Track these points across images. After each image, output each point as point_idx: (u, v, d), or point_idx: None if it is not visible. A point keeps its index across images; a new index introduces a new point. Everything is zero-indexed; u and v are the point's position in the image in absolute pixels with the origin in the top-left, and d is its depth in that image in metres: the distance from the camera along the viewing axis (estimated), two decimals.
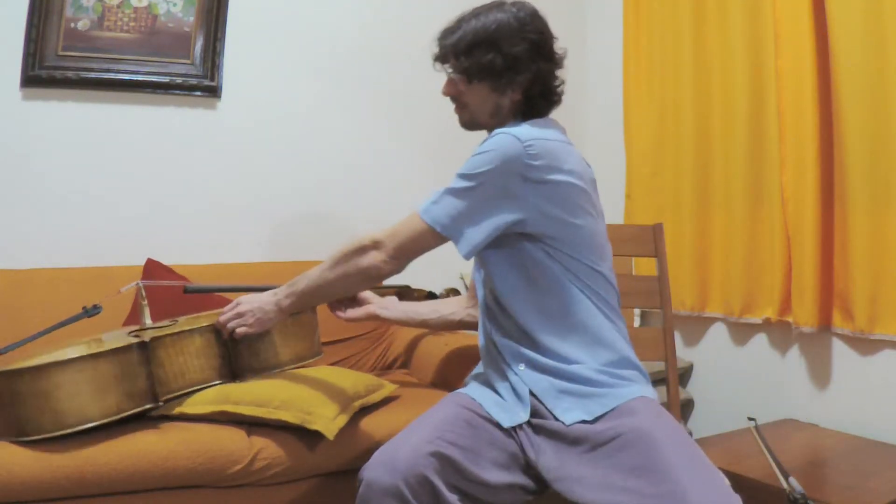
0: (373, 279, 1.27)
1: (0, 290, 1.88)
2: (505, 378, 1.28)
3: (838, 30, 1.87)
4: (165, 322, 1.59)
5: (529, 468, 1.19)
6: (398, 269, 1.26)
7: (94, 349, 1.32)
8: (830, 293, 1.96)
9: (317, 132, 2.46)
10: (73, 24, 2.12)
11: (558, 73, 1.31)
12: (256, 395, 1.54)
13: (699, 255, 2.34)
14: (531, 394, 1.23)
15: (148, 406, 1.39)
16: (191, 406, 1.53)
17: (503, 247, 1.25)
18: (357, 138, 2.50)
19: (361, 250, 1.26)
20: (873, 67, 1.82)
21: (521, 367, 1.25)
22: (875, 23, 1.81)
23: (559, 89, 1.32)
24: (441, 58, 1.32)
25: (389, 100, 2.55)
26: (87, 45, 2.14)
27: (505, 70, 1.25)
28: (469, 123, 1.35)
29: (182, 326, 1.48)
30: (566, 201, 1.22)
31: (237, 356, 1.53)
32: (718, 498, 0.98)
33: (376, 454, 1.11)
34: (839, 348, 1.97)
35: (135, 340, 1.37)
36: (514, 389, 1.25)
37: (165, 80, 2.22)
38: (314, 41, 2.46)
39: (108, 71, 2.15)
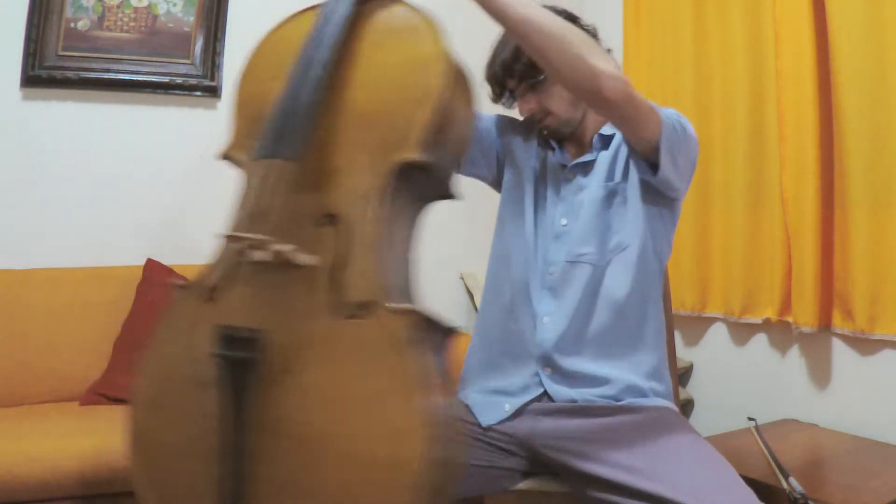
0: (585, 80, 1.00)
1: (0, 290, 1.88)
2: (519, 365, 1.22)
3: (838, 30, 1.87)
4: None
5: (513, 454, 1.18)
6: (616, 104, 1.03)
7: None
8: (830, 293, 1.96)
9: None
10: (73, 24, 2.12)
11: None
12: None
13: (699, 255, 2.34)
14: (546, 394, 1.19)
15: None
16: None
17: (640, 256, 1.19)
18: None
19: (606, 59, 1.03)
20: (873, 68, 1.82)
21: (548, 371, 1.19)
22: (875, 23, 1.81)
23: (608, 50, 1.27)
24: (499, 88, 1.27)
25: None
26: (87, 45, 2.14)
27: None
28: (561, 125, 1.26)
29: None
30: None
31: None
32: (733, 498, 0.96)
33: None
34: (839, 348, 1.97)
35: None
36: (523, 382, 1.20)
37: (165, 80, 2.22)
38: None
39: (108, 71, 2.16)
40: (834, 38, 1.88)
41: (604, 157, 1.24)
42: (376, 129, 0.88)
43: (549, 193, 1.28)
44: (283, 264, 0.81)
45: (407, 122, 0.86)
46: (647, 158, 1.17)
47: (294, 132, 0.86)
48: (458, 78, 0.92)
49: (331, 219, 0.85)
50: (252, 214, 0.87)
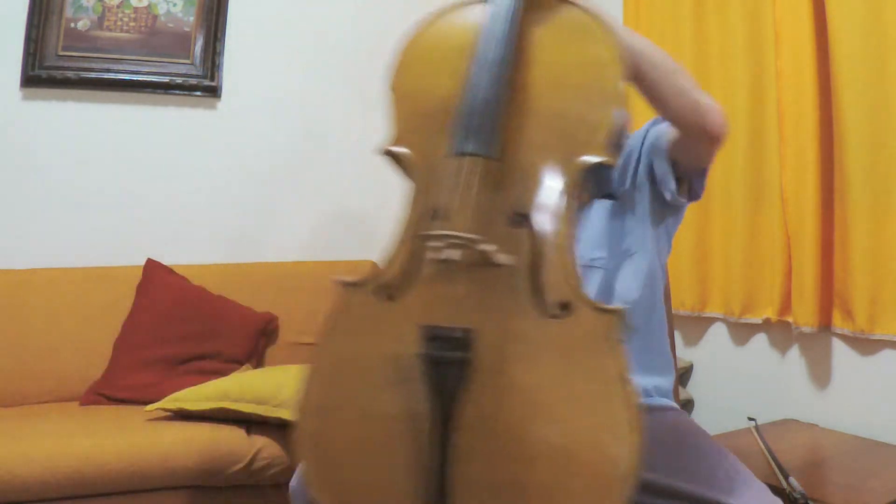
0: (693, 116, 1.00)
1: (0, 290, 1.88)
2: None
3: (838, 30, 1.87)
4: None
5: None
6: (716, 140, 1.03)
7: None
8: (830, 293, 1.96)
9: (317, 131, 2.46)
10: (73, 24, 2.12)
11: None
12: (256, 392, 1.54)
13: (699, 255, 2.33)
14: None
15: None
16: (191, 403, 1.54)
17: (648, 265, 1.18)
18: (358, 137, 2.50)
19: (705, 92, 1.02)
20: (873, 67, 1.82)
21: None
22: (875, 23, 1.81)
23: None
24: None
25: None
26: (87, 45, 2.14)
27: None
28: None
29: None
30: None
31: None
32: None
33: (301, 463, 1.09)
34: (839, 348, 1.97)
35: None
36: None
37: (165, 80, 2.22)
38: (315, 40, 2.46)
39: (108, 71, 2.16)
40: (834, 38, 1.88)
41: None
42: (563, 130, 0.88)
43: None
44: (478, 264, 0.80)
45: (595, 124, 0.86)
46: (684, 177, 1.16)
47: (490, 130, 0.86)
48: None
49: (523, 218, 0.84)
50: (438, 212, 0.85)
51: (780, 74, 2.06)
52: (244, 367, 1.93)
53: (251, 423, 1.55)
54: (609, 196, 0.96)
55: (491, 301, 0.80)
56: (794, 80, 2.01)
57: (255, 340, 2.04)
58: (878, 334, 1.83)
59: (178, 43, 2.25)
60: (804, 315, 1.95)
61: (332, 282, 0.87)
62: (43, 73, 2.08)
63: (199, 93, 2.27)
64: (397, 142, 0.95)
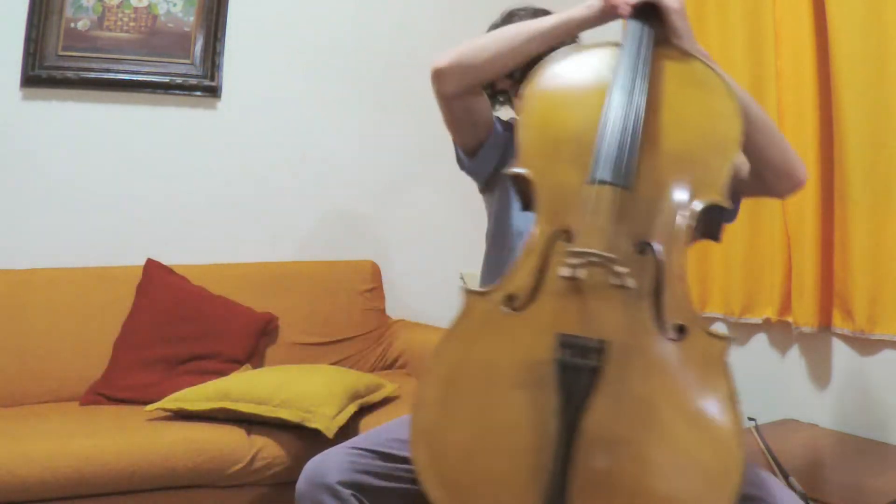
0: (787, 168, 1.11)
1: (0, 290, 1.88)
2: None
3: (838, 30, 1.87)
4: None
5: None
6: (800, 188, 1.15)
7: None
8: (830, 293, 1.96)
9: (317, 132, 2.46)
10: (73, 24, 2.12)
11: None
12: (256, 392, 1.54)
13: (699, 255, 2.34)
14: None
15: None
16: (191, 403, 1.54)
17: None
18: (358, 137, 2.50)
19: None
20: (873, 68, 1.82)
21: None
22: (875, 23, 1.81)
23: None
24: (490, 89, 1.36)
25: (391, 99, 2.55)
26: (87, 45, 2.14)
27: None
28: None
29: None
30: None
31: None
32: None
33: (307, 464, 1.11)
34: (839, 348, 1.97)
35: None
36: None
37: (165, 80, 2.22)
38: (315, 41, 2.46)
39: (108, 71, 2.16)
40: (834, 38, 1.88)
41: None
42: (687, 171, 0.96)
43: None
44: (606, 283, 0.88)
45: (716, 168, 0.95)
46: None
47: (627, 164, 0.93)
48: None
49: (647, 246, 0.92)
50: (570, 233, 0.93)
51: (780, 74, 2.06)
52: (244, 367, 1.93)
53: (251, 423, 1.55)
54: (713, 237, 1.03)
55: (618, 318, 0.88)
56: (794, 80, 2.01)
57: (255, 340, 2.04)
58: (878, 334, 1.83)
59: (178, 43, 2.25)
60: (804, 315, 1.95)
61: (459, 289, 0.94)
62: (43, 73, 2.08)
63: (199, 93, 2.27)
64: (522, 165, 1.01)
